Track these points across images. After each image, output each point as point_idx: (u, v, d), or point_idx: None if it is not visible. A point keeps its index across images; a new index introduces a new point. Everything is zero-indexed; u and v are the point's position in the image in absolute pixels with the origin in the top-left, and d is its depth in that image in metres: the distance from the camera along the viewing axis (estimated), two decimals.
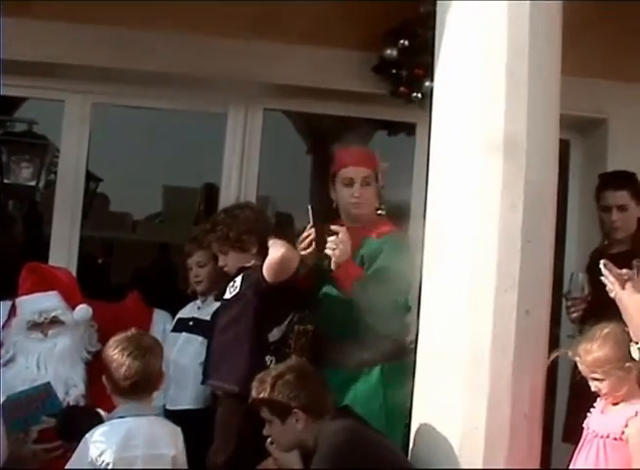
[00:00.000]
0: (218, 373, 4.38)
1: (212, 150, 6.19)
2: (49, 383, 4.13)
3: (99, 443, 3.53)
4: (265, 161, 6.02)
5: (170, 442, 3.73)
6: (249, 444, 4.17)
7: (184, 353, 4.65)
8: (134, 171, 7.42)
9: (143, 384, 3.67)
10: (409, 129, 6.10)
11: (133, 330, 3.81)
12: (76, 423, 3.94)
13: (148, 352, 3.72)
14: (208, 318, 4.66)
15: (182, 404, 4.50)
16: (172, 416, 4.35)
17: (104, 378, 3.71)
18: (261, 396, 3.76)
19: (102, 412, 3.82)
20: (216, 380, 4.39)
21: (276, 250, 4.20)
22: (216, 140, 6.05)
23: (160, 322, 4.82)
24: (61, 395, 4.24)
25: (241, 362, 4.30)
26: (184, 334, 4.70)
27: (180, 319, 4.82)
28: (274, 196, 7.52)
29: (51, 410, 4.07)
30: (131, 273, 8.03)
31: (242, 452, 4.19)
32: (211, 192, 6.87)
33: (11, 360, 4.45)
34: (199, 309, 4.85)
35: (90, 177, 6.12)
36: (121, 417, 3.62)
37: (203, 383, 4.46)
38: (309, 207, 4.39)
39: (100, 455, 3.50)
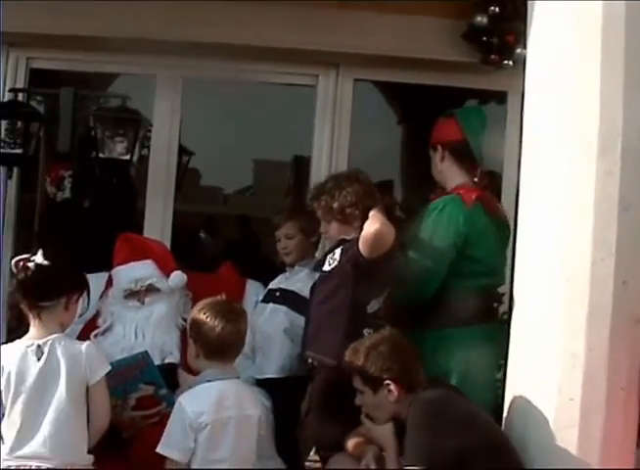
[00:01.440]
0: (316, 345, 4.38)
1: (303, 122, 6.19)
2: (146, 352, 4.20)
3: (195, 405, 3.60)
4: (356, 132, 6.00)
5: (256, 403, 3.81)
6: (344, 415, 4.20)
7: (271, 323, 4.67)
8: (225, 145, 7.46)
9: (232, 347, 3.75)
10: (500, 98, 6.03)
11: (221, 296, 3.88)
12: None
13: (238, 316, 3.80)
14: (295, 289, 4.70)
15: (269, 373, 4.53)
16: (260, 385, 4.43)
17: (190, 342, 3.78)
18: (355, 365, 3.77)
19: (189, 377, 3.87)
20: (314, 352, 4.40)
21: (370, 225, 4.18)
22: (307, 112, 6.05)
23: (253, 292, 4.85)
24: (157, 361, 4.30)
25: (338, 335, 4.29)
26: (271, 304, 4.73)
27: (269, 290, 4.85)
28: (365, 168, 7.48)
29: (148, 378, 4.15)
30: (223, 246, 8.11)
31: (337, 423, 4.22)
32: (302, 164, 6.87)
33: (108, 330, 4.54)
34: (286, 280, 4.86)
35: (182, 151, 6.18)
36: (209, 381, 3.69)
37: (301, 354, 4.48)
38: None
39: (198, 417, 3.57)
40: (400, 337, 3.88)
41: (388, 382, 3.71)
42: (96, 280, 4.79)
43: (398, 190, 7.30)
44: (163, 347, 4.46)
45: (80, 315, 3.87)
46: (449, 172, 4.65)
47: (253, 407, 3.75)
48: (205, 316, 3.71)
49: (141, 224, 5.86)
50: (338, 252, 4.39)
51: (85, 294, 3.72)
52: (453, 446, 3.52)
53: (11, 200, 5.81)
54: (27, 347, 3.53)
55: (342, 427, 4.13)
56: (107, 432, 3.81)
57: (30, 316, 3.57)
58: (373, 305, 4.36)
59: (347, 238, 4.39)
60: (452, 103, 6.44)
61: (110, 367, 3.59)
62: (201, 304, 3.81)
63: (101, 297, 4.70)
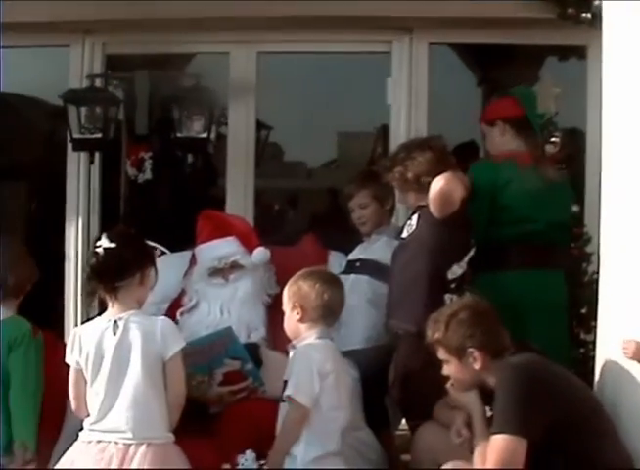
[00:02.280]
0: (397, 313, 4.37)
1: (381, 91, 6.12)
2: (230, 327, 4.22)
3: (318, 353, 3.71)
4: (433, 97, 5.92)
5: (350, 370, 3.90)
6: (430, 383, 4.17)
7: (354, 294, 4.62)
8: (305, 119, 7.43)
9: (336, 313, 3.89)
10: (580, 53, 5.88)
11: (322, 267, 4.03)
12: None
13: (340, 284, 3.96)
14: (374, 258, 4.67)
15: (354, 344, 4.51)
16: (345, 357, 4.39)
17: (290, 305, 3.83)
18: (436, 336, 3.72)
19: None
20: (396, 320, 4.39)
21: (436, 183, 4.14)
22: (383, 80, 5.99)
23: (336, 264, 4.82)
24: (243, 338, 4.33)
25: (419, 302, 4.27)
26: (352, 275, 4.69)
27: (349, 261, 4.82)
28: (445, 133, 7.40)
29: (233, 354, 4.17)
30: (308, 221, 8.10)
31: (423, 391, 4.18)
32: (384, 134, 6.81)
33: (194, 308, 4.57)
34: (365, 250, 4.83)
35: (260, 126, 6.18)
36: (320, 338, 3.79)
37: (385, 323, 4.47)
38: None
39: (324, 364, 3.68)
40: (481, 303, 3.81)
41: (471, 350, 3.65)
42: (180, 259, 4.88)
43: (481, 152, 7.20)
44: (249, 323, 4.47)
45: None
46: (509, 145, 4.70)
47: (353, 370, 3.89)
48: (311, 283, 3.82)
49: (223, 202, 5.88)
50: (414, 218, 4.37)
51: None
52: (544, 413, 3.45)
53: (94, 185, 5.89)
54: (105, 323, 3.60)
55: (428, 395, 4.11)
56: (194, 408, 3.86)
57: (107, 298, 3.64)
58: (455, 271, 4.31)
59: (423, 203, 4.36)
60: (531, 61, 6.35)
61: (184, 343, 3.62)
62: (301, 274, 3.90)
63: (185, 275, 4.76)
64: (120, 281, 3.59)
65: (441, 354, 3.74)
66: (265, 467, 3.74)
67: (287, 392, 3.64)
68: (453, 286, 4.31)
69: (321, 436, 3.60)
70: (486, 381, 3.67)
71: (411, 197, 4.48)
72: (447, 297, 4.27)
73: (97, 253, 3.63)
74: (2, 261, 4.02)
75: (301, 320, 3.81)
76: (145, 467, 3.44)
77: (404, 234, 4.43)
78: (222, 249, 4.59)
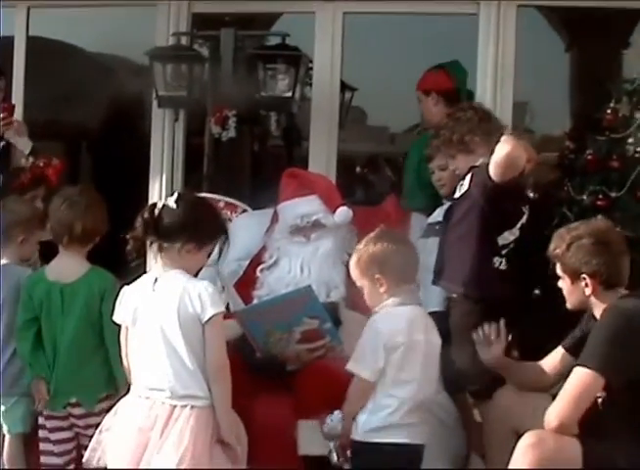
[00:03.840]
0: (446, 273, 4.35)
1: (466, 54, 6.04)
2: (310, 286, 4.22)
3: (391, 325, 3.59)
4: (521, 62, 5.82)
5: (436, 332, 3.77)
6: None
7: (433, 258, 4.61)
8: (389, 81, 7.38)
9: (414, 269, 3.75)
10: None
11: (382, 227, 3.84)
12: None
13: (407, 239, 3.88)
14: None
15: (433, 307, 4.48)
16: None
17: (369, 277, 3.69)
18: (556, 251, 3.74)
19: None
20: (444, 280, 4.37)
21: (502, 147, 4.08)
22: (469, 43, 5.90)
23: (418, 225, 4.80)
24: (322, 296, 4.33)
25: (466, 263, 4.25)
26: (431, 238, 4.66)
27: (428, 224, 4.79)
28: (531, 100, 7.30)
29: (312, 312, 4.17)
30: (389, 185, 8.08)
31: (477, 355, 4.15)
32: (469, 99, 6.74)
33: (274, 265, 4.59)
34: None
35: (345, 87, 6.16)
36: (402, 304, 3.66)
37: (433, 283, 4.45)
38: None
39: (394, 337, 3.56)
40: (610, 231, 3.79)
41: (584, 276, 3.67)
42: (261, 217, 4.91)
43: (567, 120, 7.09)
44: (329, 282, 4.48)
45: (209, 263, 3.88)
46: (439, 115, 5.03)
47: (436, 335, 3.74)
48: (384, 245, 3.68)
49: (306, 163, 5.88)
50: (467, 178, 4.33)
51: (221, 243, 3.70)
52: (630, 362, 3.48)
53: (179, 142, 5.94)
54: (148, 281, 3.58)
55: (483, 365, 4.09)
56: (272, 365, 3.88)
57: (156, 251, 3.59)
58: (506, 237, 4.26)
59: (476, 164, 4.32)
60: (622, 26, 6.20)
61: (223, 309, 3.51)
62: (367, 239, 3.76)
63: (266, 232, 4.78)
64: (163, 241, 3.53)
65: (557, 269, 3.77)
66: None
67: (349, 365, 3.59)
68: (504, 252, 4.28)
69: (384, 407, 3.55)
70: (593, 308, 3.71)
71: (460, 160, 4.46)
72: (497, 260, 4.25)
73: (154, 206, 3.59)
74: (71, 210, 4.03)
75: (385, 291, 3.67)
76: (187, 429, 3.43)
77: (456, 194, 4.40)
78: (305, 207, 4.60)
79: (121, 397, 3.70)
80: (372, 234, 3.78)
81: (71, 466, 4.09)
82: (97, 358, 4.00)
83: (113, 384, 3.99)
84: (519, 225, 4.33)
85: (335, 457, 3.67)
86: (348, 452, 3.65)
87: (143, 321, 3.54)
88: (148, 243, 3.57)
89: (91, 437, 3.86)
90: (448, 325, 4.26)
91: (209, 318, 3.46)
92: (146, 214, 3.56)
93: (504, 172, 4.11)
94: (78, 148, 7.30)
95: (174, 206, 3.56)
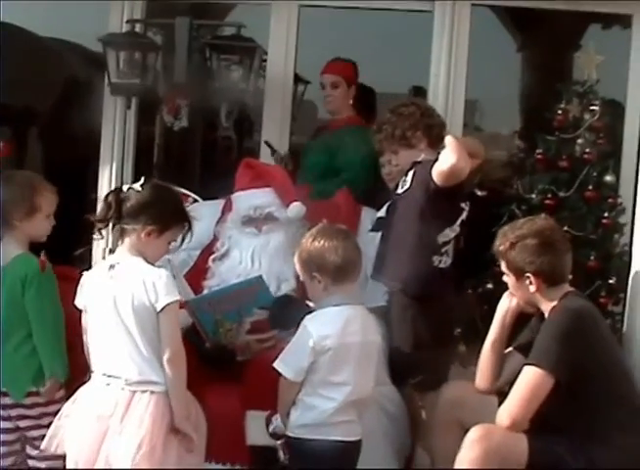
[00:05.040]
0: (384, 269, 4.39)
1: (418, 51, 6.06)
2: (261, 276, 4.23)
3: (321, 328, 3.58)
4: (473, 61, 5.86)
5: (377, 330, 3.79)
6: (424, 337, 4.21)
7: None
8: None
9: (355, 265, 3.70)
10: (625, 22, 5.79)
11: (325, 222, 3.83)
12: (288, 312, 4.05)
13: (348, 234, 3.78)
14: None
15: (380, 301, 4.52)
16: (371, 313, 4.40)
17: (308, 274, 3.70)
18: (501, 249, 3.81)
19: (310, 303, 3.87)
20: (383, 276, 4.40)
21: (448, 158, 4.11)
22: (422, 40, 5.93)
23: (369, 219, 4.82)
24: (273, 289, 4.33)
25: (405, 261, 4.30)
26: (381, 232, 4.70)
27: (378, 218, 4.81)
28: (482, 99, 7.36)
29: (263, 303, 4.17)
30: None
31: (418, 346, 4.24)
32: (419, 96, 6.77)
33: (225, 255, 4.59)
34: None
35: (298, 80, 6.15)
36: (337, 305, 3.65)
37: (372, 277, 4.48)
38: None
39: (322, 340, 3.56)
40: (554, 231, 3.86)
41: (528, 275, 3.74)
42: (212, 207, 4.90)
43: (517, 119, 7.18)
44: (280, 274, 4.47)
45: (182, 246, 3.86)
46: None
47: (375, 334, 3.75)
48: (321, 243, 3.66)
49: (257, 154, 5.87)
50: (410, 174, 4.36)
51: (184, 232, 3.70)
52: (579, 360, 3.56)
53: (130, 130, 5.89)
54: (105, 267, 3.58)
55: (423, 350, 4.20)
56: (221, 355, 3.87)
57: (118, 236, 3.61)
58: (447, 234, 4.31)
59: (418, 160, 4.37)
60: (574, 28, 6.27)
61: (178, 298, 3.53)
62: (307, 236, 3.76)
63: (217, 223, 4.76)
64: (123, 223, 3.55)
65: (502, 266, 3.84)
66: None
67: (275, 363, 3.60)
68: (444, 249, 4.32)
69: (312, 407, 3.58)
70: (538, 304, 3.79)
71: (402, 156, 4.53)
72: (436, 258, 4.29)
73: (119, 190, 3.61)
74: (12, 192, 3.97)
75: (324, 288, 3.67)
76: (147, 414, 3.45)
77: (399, 190, 4.43)
78: (259, 199, 4.60)
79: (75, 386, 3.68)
80: (313, 230, 3.77)
81: (11, 458, 4.01)
82: (24, 349, 3.92)
83: (41, 379, 3.90)
84: (458, 222, 4.38)
85: (282, 455, 3.69)
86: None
87: (100, 308, 3.54)
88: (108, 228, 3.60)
89: (24, 429, 3.92)
90: None
91: (164, 307, 3.47)
92: (110, 197, 3.58)
93: (448, 181, 4.16)
94: (28, 133, 7.21)
95: (139, 189, 3.58)
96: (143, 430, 3.42)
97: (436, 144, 4.39)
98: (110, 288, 3.52)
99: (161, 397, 3.48)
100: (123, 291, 3.49)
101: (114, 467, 3.45)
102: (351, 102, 5.58)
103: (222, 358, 4.06)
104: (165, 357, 3.48)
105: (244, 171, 4.75)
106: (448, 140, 4.20)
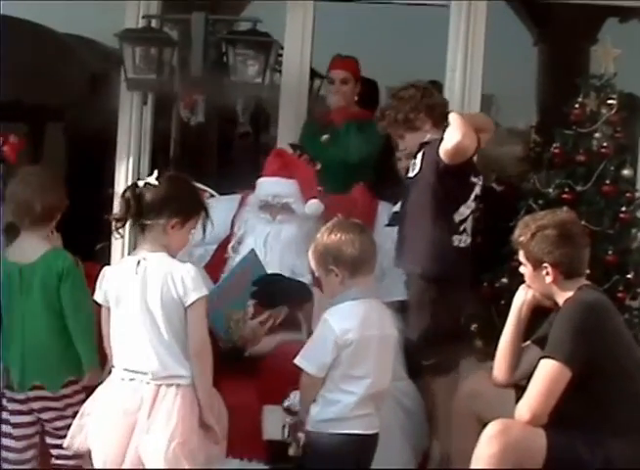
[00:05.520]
0: (405, 254, 4.40)
1: (435, 46, 6.06)
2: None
3: (343, 323, 3.57)
4: (489, 55, 5.84)
5: (393, 323, 3.79)
6: (441, 321, 4.22)
7: None
8: None
9: (371, 259, 3.68)
10: None
11: (340, 216, 3.83)
12: (271, 289, 4.10)
13: (363, 228, 3.76)
14: None
15: (397, 296, 4.52)
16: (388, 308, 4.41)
17: (324, 267, 3.67)
18: (521, 239, 3.81)
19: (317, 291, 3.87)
20: (403, 260, 4.41)
21: (453, 135, 4.11)
22: (439, 35, 5.92)
23: (385, 214, 4.84)
24: None
25: (423, 243, 4.30)
26: (397, 227, 4.70)
27: (394, 213, 4.82)
28: (498, 94, 7.34)
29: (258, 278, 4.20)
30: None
31: (434, 330, 4.25)
32: (437, 89, 6.76)
33: (241, 243, 4.60)
34: None
35: (314, 75, 6.15)
36: (354, 299, 3.63)
37: (395, 265, 4.48)
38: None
39: (345, 335, 3.54)
40: (574, 223, 3.86)
41: (546, 265, 3.73)
42: (228, 202, 4.92)
43: (534, 113, 7.16)
44: (294, 268, 4.49)
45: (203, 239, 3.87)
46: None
47: (392, 327, 3.75)
48: (338, 236, 3.64)
49: (273, 148, 5.87)
50: (419, 156, 4.36)
51: (203, 220, 3.65)
52: (593, 353, 3.55)
53: (146, 125, 5.90)
54: (130, 263, 3.55)
55: (439, 334, 4.24)
56: (232, 353, 3.87)
57: (138, 234, 3.60)
58: (462, 212, 4.31)
59: (425, 140, 4.37)
60: (591, 21, 6.25)
61: (206, 292, 3.50)
62: (322, 230, 3.74)
63: (233, 218, 4.77)
64: (144, 219, 3.51)
65: (520, 256, 3.84)
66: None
67: (296, 359, 3.59)
68: (462, 228, 4.31)
69: (335, 402, 3.57)
70: (554, 296, 3.78)
71: (409, 139, 4.54)
72: (456, 238, 4.29)
73: (136, 185, 3.57)
74: (29, 189, 3.98)
75: (341, 281, 3.64)
76: (175, 408, 3.44)
77: (410, 174, 4.43)
78: (280, 187, 4.62)
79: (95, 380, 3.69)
80: (328, 224, 3.76)
81: (31, 451, 4.06)
82: (61, 341, 3.96)
83: (78, 367, 3.95)
84: (472, 197, 4.38)
85: (285, 433, 3.68)
86: (300, 434, 3.68)
87: (126, 304, 3.53)
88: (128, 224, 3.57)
89: (48, 421, 3.94)
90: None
91: (192, 302, 3.46)
92: (127, 194, 3.55)
93: (455, 159, 4.18)
94: (45, 129, 7.24)
95: (155, 183, 3.54)
96: (172, 423, 3.41)
97: (441, 123, 4.40)
98: (137, 283, 3.50)
99: (188, 390, 3.48)
100: (151, 286, 3.48)
101: (145, 462, 3.44)
102: (357, 98, 5.60)
103: (236, 358, 4.04)
104: (193, 351, 3.48)
105: (273, 159, 4.79)
106: (452, 117, 4.22)
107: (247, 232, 4.61)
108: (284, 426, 3.72)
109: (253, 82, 5.42)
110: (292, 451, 3.72)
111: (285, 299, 4.17)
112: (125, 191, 3.60)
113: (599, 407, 3.57)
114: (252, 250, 4.25)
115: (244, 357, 4.14)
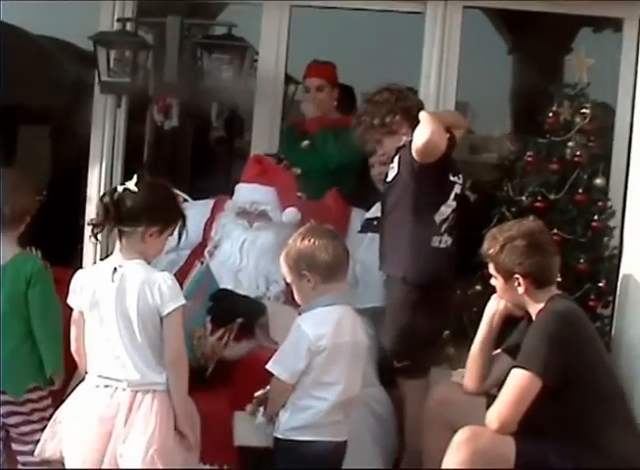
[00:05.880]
0: (386, 258, 4.40)
1: (409, 53, 6.07)
2: (206, 263, 4.21)
3: (316, 329, 3.56)
4: (464, 63, 5.86)
5: (365, 330, 3.79)
6: (418, 325, 4.24)
7: (370, 252, 4.63)
8: None
9: (343, 265, 3.68)
10: (616, 25, 5.80)
11: (312, 222, 3.83)
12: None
13: (336, 234, 3.74)
14: None
15: (370, 303, 4.52)
16: (362, 314, 4.40)
17: (297, 273, 3.65)
18: (490, 252, 3.81)
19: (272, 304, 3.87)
20: (385, 264, 4.41)
21: (422, 133, 4.12)
22: (413, 42, 5.93)
23: (358, 220, 4.84)
24: (262, 290, 4.34)
25: (404, 247, 4.29)
26: (369, 234, 4.71)
27: (366, 220, 4.83)
28: (473, 101, 7.36)
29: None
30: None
31: (411, 333, 4.26)
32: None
33: (217, 246, 4.59)
34: None
35: (289, 80, 6.15)
36: (327, 305, 3.62)
37: (379, 268, 4.48)
38: None
39: (318, 341, 3.53)
40: (542, 232, 3.87)
41: (517, 276, 3.74)
42: (202, 207, 4.89)
43: (508, 121, 7.18)
44: (268, 275, 4.48)
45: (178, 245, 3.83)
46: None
47: (364, 334, 3.74)
48: (311, 242, 3.63)
49: (247, 154, 5.86)
50: (395, 160, 4.36)
51: (179, 227, 3.60)
52: (566, 363, 3.57)
53: (120, 129, 5.87)
54: (106, 269, 3.51)
55: (416, 337, 4.23)
56: (199, 373, 3.88)
57: (116, 240, 3.54)
58: (443, 212, 4.31)
59: (401, 144, 4.37)
60: (565, 31, 6.28)
61: (183, 302, 3.48)
62: (295, 235, 3.72)
63: (206, 224, 4.76)
64: (123, 225, 3.47)
65: (490, 269, 3.84)
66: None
67: (268, 365, 3.57)
68: (443, 228, 4.31)
69: (305, 408, 3.56)
70: (526, 306, 3.80)
71: (386, 143, 4.53)
72: (436, 239, 4.29)
73: (115, 191, 3.50)
74: None
75: (314, 287, 3.63)
76: (152, 414, 3.41)
77: (389, 178, 4.43)
78: (258, 194, 4.61)
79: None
80: (301, 229, 3.75)
81: None
82: (25, 346, 3.91)
83: (42, 374, 3.90)
84: (452, 196, 4.37)
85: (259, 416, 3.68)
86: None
87: (100, 310, 3.49)
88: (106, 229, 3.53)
89: (14, 426, 3.90)
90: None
91: (169, 312, 3.44)
92: (106, 199, 3.50)
93: (426, 156, 4.17)
94: (18, 131, 7.19)
95: (135, 189, 3.49)
96: (150, 429, 3.39)
97: (417, 125, 4.39)
98: (113, 291, 3.47)
99: (164, 396, 3.46)
100: (128, 294, 3.45)
101: (122, 468, 3.41)
102: (335, 103, 5.59)
103: (201, 378, 3.98)
104: (169, 360, 3.46)
105: (252, 165, 4.78)
106: (421, 115, 4.21)
107: (223, 237, 4.59)
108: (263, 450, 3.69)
109: (228, 87, 5.41)
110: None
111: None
112: (104, 196, 3.55)
113: (570, 415, 3.59)
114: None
115: (204, 378, 4.09)
